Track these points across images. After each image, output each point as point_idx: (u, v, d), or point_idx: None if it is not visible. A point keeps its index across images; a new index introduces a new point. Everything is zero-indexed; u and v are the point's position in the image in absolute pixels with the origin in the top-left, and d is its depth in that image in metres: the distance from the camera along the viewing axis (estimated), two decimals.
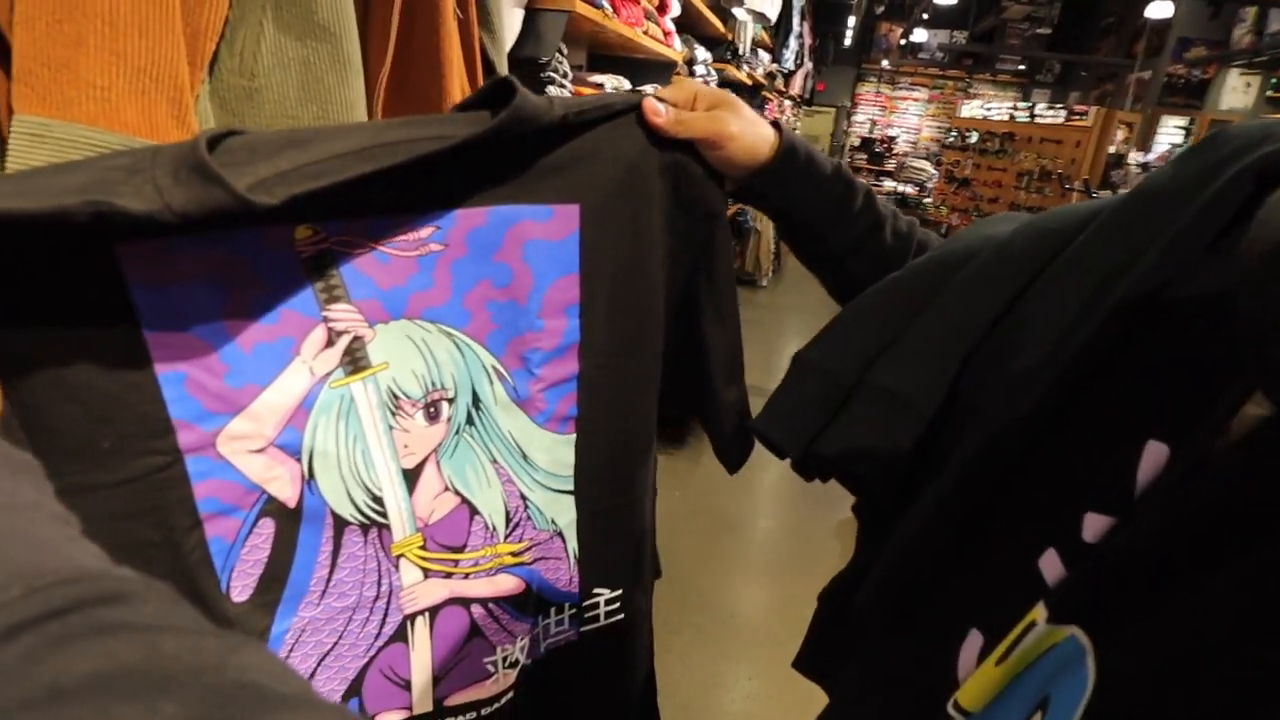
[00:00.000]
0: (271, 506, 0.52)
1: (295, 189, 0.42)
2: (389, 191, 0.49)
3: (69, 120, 0.55)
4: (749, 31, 4.07)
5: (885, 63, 12.35)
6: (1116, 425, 0.37)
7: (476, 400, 0.59)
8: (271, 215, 0.42)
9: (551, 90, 1.83)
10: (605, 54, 2.70)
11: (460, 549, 0.62)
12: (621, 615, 0.71)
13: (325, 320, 0.51)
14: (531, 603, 0.67)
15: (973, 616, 0.41)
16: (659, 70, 2.84)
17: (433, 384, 0.57)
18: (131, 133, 0.57)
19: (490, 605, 0.65)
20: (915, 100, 12.57)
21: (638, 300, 0.60)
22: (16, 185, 0.38)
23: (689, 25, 3.31)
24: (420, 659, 0.62)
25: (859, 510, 0.54)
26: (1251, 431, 0.32)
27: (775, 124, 0.61)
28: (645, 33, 2.41)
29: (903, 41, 11.93)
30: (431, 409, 0.57)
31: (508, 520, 0.63)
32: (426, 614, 0.62)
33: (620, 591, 0.70)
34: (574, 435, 0.63)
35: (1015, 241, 0.47)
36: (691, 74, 3.30)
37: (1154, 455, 0.35)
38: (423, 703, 0.64)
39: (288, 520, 0.53)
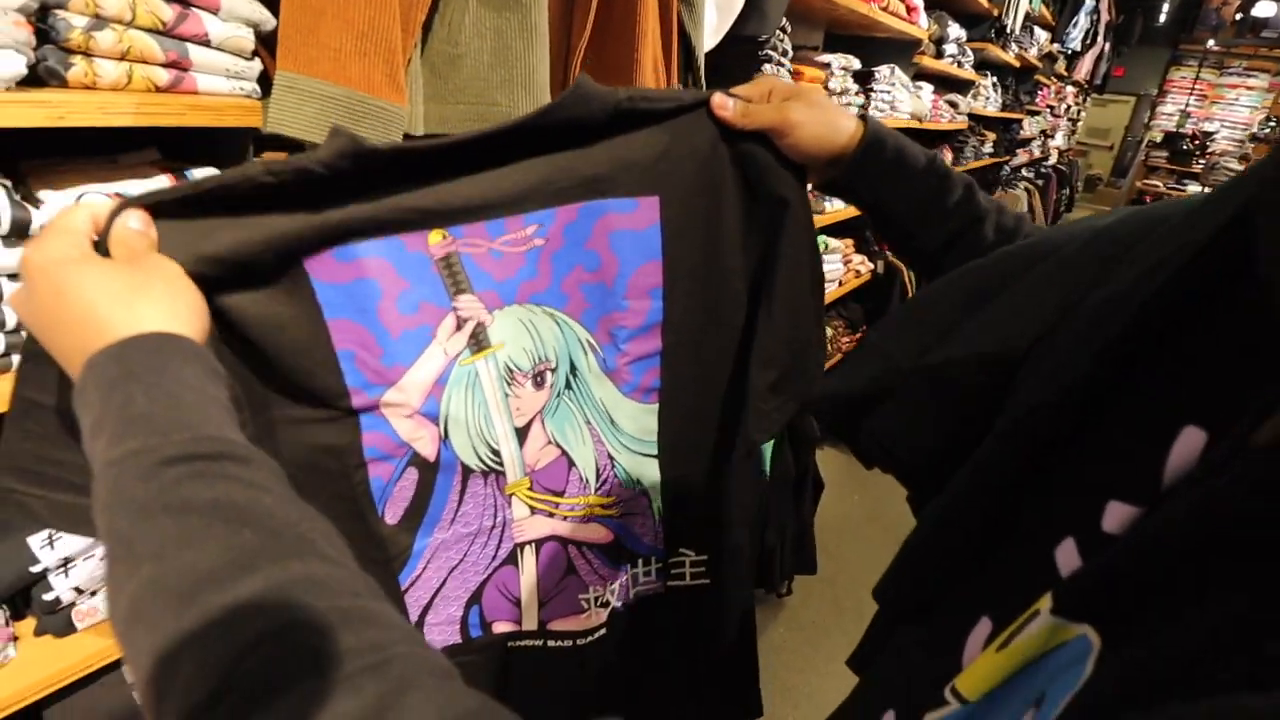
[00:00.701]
0: (416, 459, 0.64)
1: (401, 147, 0.52)
2: (499, 195, 0.58)
3: (309, 75, 0.70)
4: (1021, 6, 3.69)
5: (1212, 42, 10.38)
6: (1153, 407, 0.34)
7: (574, 369, 0.68)
8: (410, 225, 0.54)
9: (768, 69, 1.84)
10: (843, 34, 2.63)
11: (560, 493, 0.72)
12: (708, 580, 0.76)
13: (455, 310, 0.62)
14: (620, 552, 0.75)
15: (985, 603, 0.39)
16: (900, 49, 2.70)
17: (539, 358, 0.67)
18: (354, 86, 0.72)
19: (584, 548, 0.74)
20: (1250, 89, 10.42)
21: (716, 283, 0.65)
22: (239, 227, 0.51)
23: (945, 1, 3.09)
24: (527, 581, 0.73)
25: (912, 504, 0.52)
26: None
27: (863, 116, 0.62)
28: (885, 8, 2.31)
29: (1239, 16, 9.93)
30: (538, 378, 0.67)
31: (598, 475, 0.72)
32: (533, 545, 0.73)
33: (706, 556, 0.76)
34: (657, 405, 0.69)
35: (1113, 228, 0.43)
36: (939, 54, 3.09)
37: (1189, 441, 0.32)
38: (529, 620, 0.75)
39: (428, 470, 0.65)
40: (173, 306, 0.43)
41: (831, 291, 2.55)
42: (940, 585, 0.43)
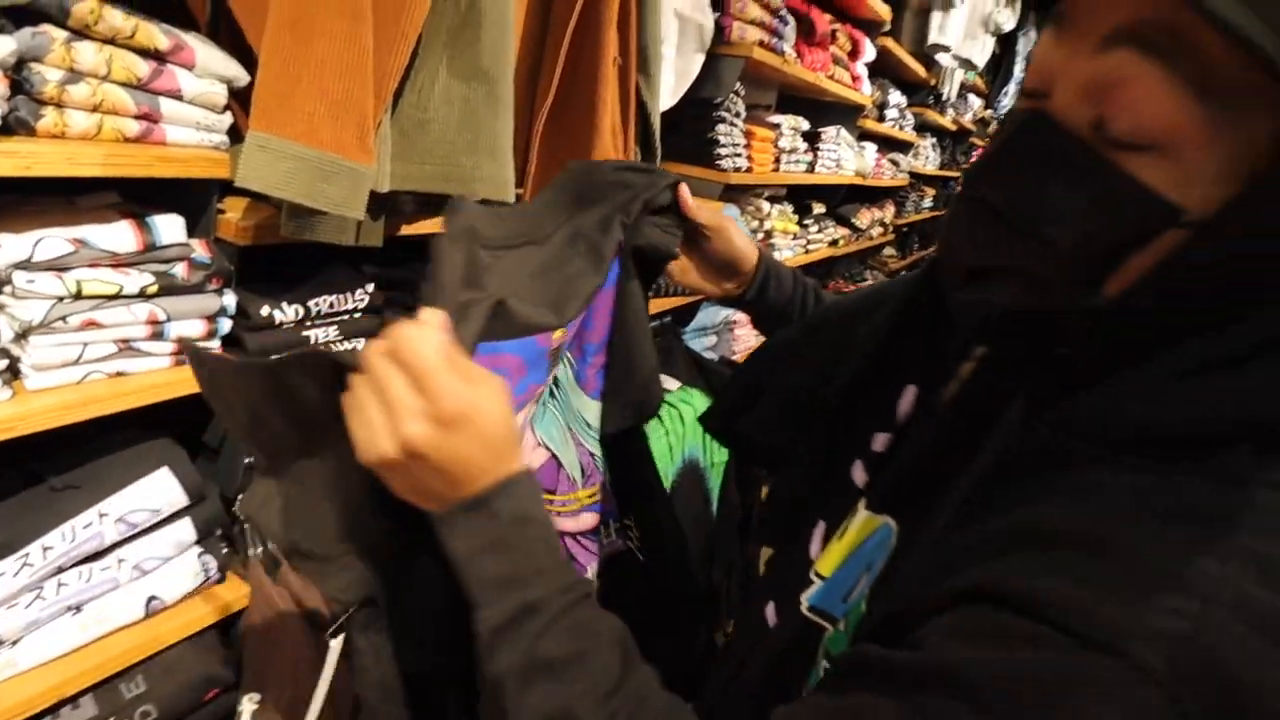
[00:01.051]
0: None
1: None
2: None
3: (281, 136, 0.73)
4: (956, 76, 3.93)
5: None
6: (893, 377, 0.56)
7: (556, 381, 0.76)
8: (546, 327, 0.62)
9: (722, 128, 1.93)
10: (794, 96, 2.77)
11: (552, 492, 0.79)
12: (645, 545, 0.86)
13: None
14: (600, 527, 0.84)
15: (818, 512, 0.58)
16: (846, 112, 2.85)
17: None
18: (325, 149, 0.75)
19: (579, 538, 0.82)
20: None
21: (636, 311, 0.76)
22: None
23: (886, 69, 3.28)
24: None
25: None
26: (972, 368, 0.51)
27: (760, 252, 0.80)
28: (831, 77, 2.45)
29: None
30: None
31: (583, 472, 0.80)
32: None
33: (636, 522, 0.86)
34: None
35: (877, 289, 0.70)
36: (882, 118, 3.26)
37: (909, 395, 0.54)
38: None
39: None
40: (509, 427, 0.45)
41: None
42: (793, 505, 0.62)
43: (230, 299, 0.87)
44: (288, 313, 0.93)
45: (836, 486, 0.56)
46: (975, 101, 5.02)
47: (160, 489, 0.88)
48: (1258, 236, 0.35)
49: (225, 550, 0.98)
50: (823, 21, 2.29)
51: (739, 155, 2.02)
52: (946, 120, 4.19)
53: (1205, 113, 0.34)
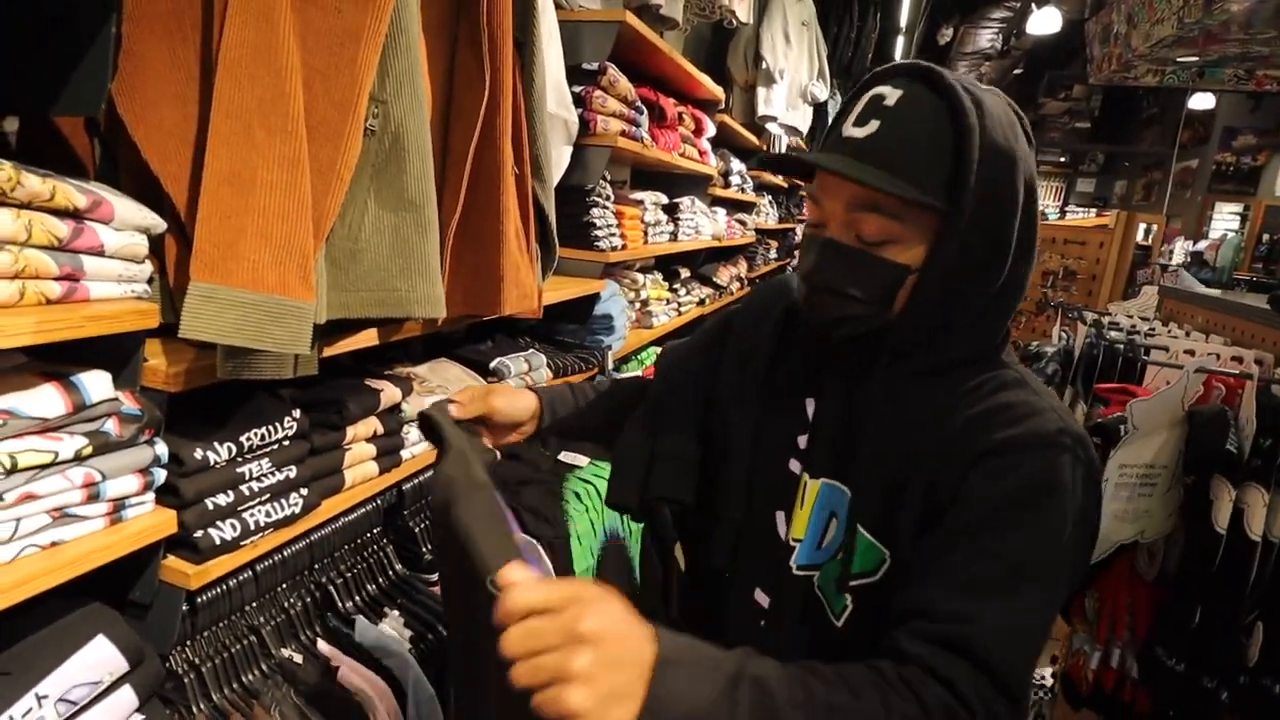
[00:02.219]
0: None
1: None
2: None
3: (228, 285, 0.74)
4: (783, 140, 4.35)
5: None
6: (797, 392, 0.84)
7: None
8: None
9: (595, 212, 2.06)
10: (647, 171, 2.97)
11: None
12: None
13: None
14: None
15: (775, 505, 0.84)
16: (696, 183, 3.09)
17: None
18: (270, 292, 0.77)
19: None
20: None
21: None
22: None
23: (725, 140, 3.59)
24: None
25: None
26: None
27: (534, 390, 0.99)
28: (682, 154, 2.66)
29: None
30: None
31: None
32: None
33: None
34: None
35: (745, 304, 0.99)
36: (727, 184, 3.55)
37: (810, 405, 0.83)
38: None
39: None
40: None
41: None
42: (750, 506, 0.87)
43: (162, 447, 0.84)
44: (220, 452, 0.91)
45: (780, 482, 0.83)
46: None
47: (98, 659, 0.82)
48: (942, 275, 0.73)
49: (167, 713, 0.91)
50: (670, 107, 2.50)
51: (614, 235, 2.15)
52: (780, 180, 4.61)
53: (900, 222, 0.73)
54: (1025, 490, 0.68)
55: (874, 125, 0.72)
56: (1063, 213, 6.33)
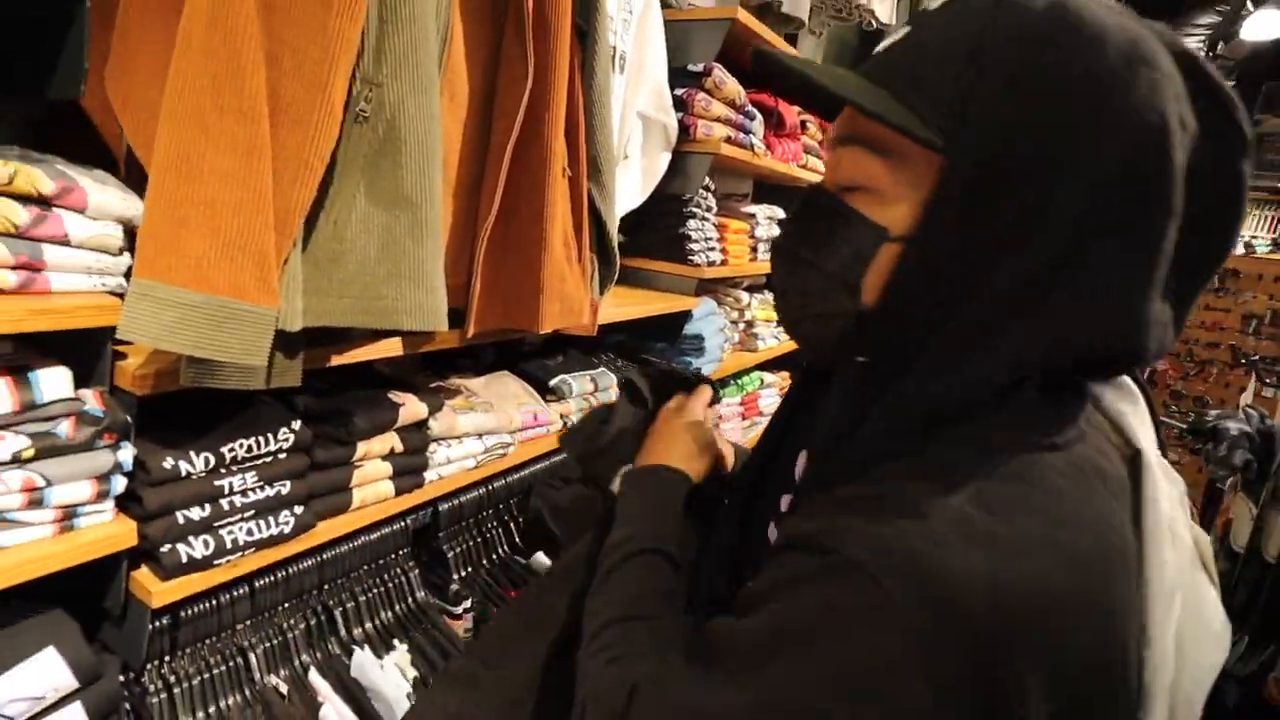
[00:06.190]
0: None
1: None
2: None
3: (166, 283, 0.66)
4: None
5: None
6: (793, 445, 0.68)
7: None
8: None
9: (692, 224, 1.90)
10: (769, 183, 2.77)
11: None
12: None
13: None
14: None
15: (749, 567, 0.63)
16: None
17: None
18: (216, 292, 0.68)
19: None
20: None
21: None
22: None
23: None
24: None
25: None
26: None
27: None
28: (804, 166, 2.44)
29: None
30: None
31: None
32: None
33: None
34: None
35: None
36: None
37: (803, 459, 0.65)
38: None
39: None
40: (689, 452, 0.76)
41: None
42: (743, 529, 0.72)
43: (126, 453, 0.78)
44: (196, 463, 0.84)
45: (756, 548, 0.68)
46: None
47: (43, 673, 0.77)
48: (939, 253, 0.49)
49: None
50: (791, 114, 2.30)
51: (713, 249, 1.98)
52: None
53: (885, 161, 0.51)
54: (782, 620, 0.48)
55: (901, 33, 0.52)
56: (1277, 245, 5.37)
